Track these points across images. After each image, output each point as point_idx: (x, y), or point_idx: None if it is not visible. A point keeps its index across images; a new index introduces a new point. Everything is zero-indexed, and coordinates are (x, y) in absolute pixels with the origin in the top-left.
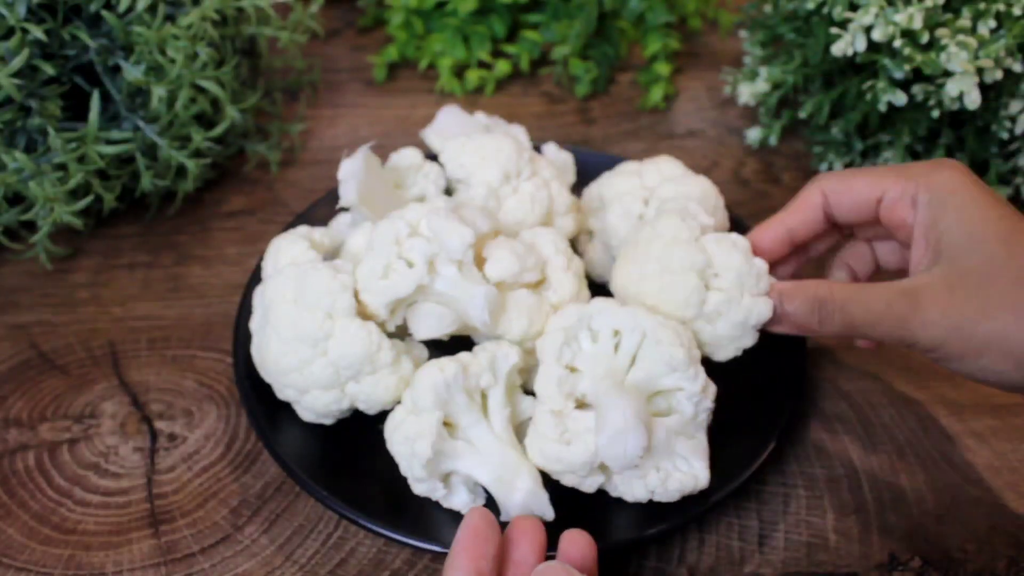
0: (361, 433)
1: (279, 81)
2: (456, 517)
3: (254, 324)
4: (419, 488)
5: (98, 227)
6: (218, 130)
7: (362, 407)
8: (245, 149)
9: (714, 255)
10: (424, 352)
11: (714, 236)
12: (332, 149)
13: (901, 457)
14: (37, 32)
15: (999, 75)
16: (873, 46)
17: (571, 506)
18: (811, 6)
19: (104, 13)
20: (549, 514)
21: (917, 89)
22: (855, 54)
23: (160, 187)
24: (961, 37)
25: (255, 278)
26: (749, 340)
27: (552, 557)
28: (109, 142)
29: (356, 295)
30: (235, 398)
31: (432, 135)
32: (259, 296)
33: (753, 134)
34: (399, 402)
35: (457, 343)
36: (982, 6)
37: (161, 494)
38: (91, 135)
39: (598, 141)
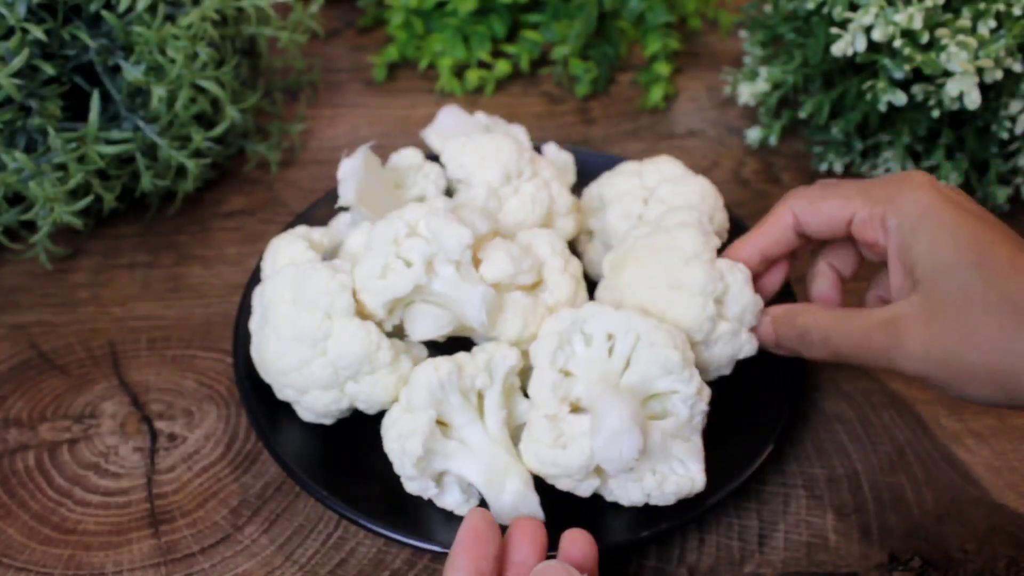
0: (362, 433)
1: (279, 81)
2: (456, 517)
3: (253, 324)
4: (411, 486)
5: (98, 227)
6: (218, 130)
7: (361, 407)
8: (245, 149)
9: (730, 285)
10: (423, 352)
11: (726, 263)
12: (332, 149)
13: (901, 457)
14: (37, 32)
15: (999, 75)
16: (873, 46)
17: (568, 509)
18: (811, 6)
19: (104, 13)
20: (539, 517)
21: (917, 89)
22: (855, 54)
23: (160, 187)
24: (961, 37)
25: (255, 278)
26: (728, 370)
27: (552, 557)
28: (109, 142)
29: (355, 295)
30: (235, 398)
31: (432, 135)
32: (258, 296)
33: (753, 134)
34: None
35: (459, 344)
36: (982, 6)
37: (161, 494)
38: (91, 135)
39: (598, 141)
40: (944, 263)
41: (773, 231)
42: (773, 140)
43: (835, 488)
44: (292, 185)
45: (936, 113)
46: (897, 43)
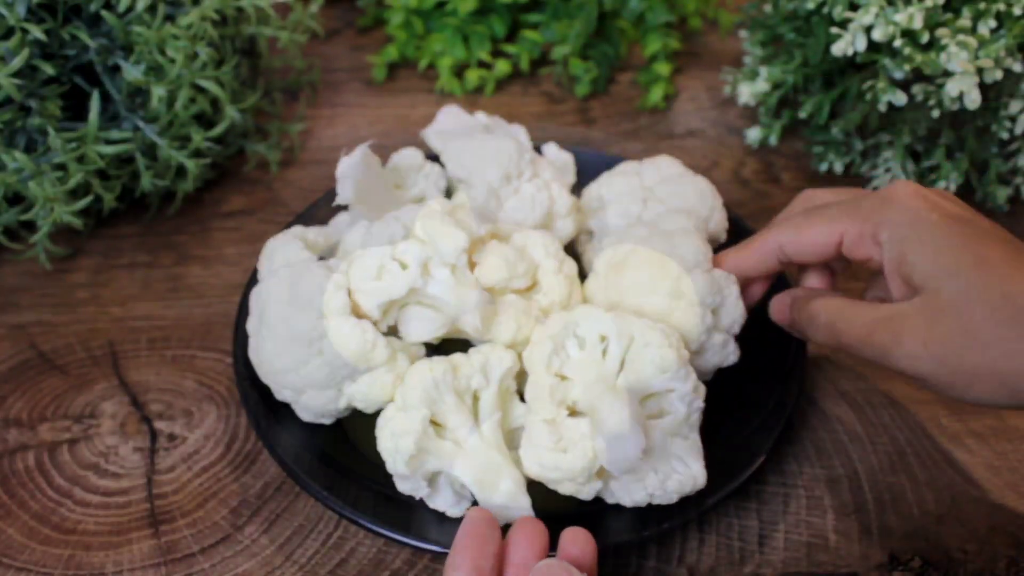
0: (363, 433)
1: (279, 81)
2: (453, 518)
3: (250, 325)
4: (403, 486)
5: (98, 227)
6: (218, 130)
7: (359, 406)
8: (245, 149)
9: (726, 298)
10: (421, 350)
11: (722, 274)
12: (331, 149)
13: (901, 457)
14: (37, 32)
15: (999, 75)
16: (873, 46)
17: (567, 509)
18: (811, 6)
19: (104, 13)
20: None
21: (917, 89)
22: (855, 54)
23: (160, 187)
24: (961, 37)
25: (255, 278)
26: (709, 377)
27: (552, 556)
28: (109, 142)
29: (351, 294)
30: (235, 398)
31: (432, 135)
32: (255, 297)
33: (753, 134)
34: None
35: (456, 345)
36: (982, 6)
37: (161, 494)
38: (91, 135)
39: (598, 141)
40: (942, 268)
41: (755, 256)
42: (773, 140)
43: (835, 488)
44: (292, 185)
45: (936, 113)
46: (897, 43)
